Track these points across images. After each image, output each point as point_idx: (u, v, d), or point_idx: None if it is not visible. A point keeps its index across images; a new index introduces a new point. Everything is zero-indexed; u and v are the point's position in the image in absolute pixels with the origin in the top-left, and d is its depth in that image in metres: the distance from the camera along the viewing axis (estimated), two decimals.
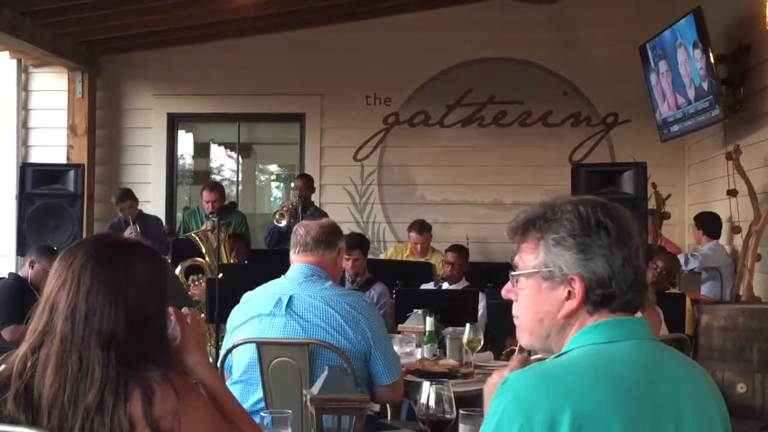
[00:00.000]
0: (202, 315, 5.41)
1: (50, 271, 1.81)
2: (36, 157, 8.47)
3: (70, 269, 1.77)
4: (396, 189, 8.67)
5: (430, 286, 6.13)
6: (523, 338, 1.65)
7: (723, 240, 6.85)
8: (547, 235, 1.57)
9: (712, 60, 6.27)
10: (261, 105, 8.75)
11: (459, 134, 8.60)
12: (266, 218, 8.64)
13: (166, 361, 1.77)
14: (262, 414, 2.14)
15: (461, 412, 2.04)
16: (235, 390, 3.04)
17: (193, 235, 6.39)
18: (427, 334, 4.06)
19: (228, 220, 6.95)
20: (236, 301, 3.34)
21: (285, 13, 8.32)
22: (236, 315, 3.27)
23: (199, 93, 8.71)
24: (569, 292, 1.55)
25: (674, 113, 7.20)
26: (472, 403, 2.52)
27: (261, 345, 3.09)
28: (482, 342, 3.86)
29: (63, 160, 8.24)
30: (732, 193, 6.46)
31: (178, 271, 6.15)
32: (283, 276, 3.27)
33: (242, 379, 3.15)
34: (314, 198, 7.79)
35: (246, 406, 2.89)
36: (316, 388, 2.33)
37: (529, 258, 1.60)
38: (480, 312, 5.29)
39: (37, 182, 7.29)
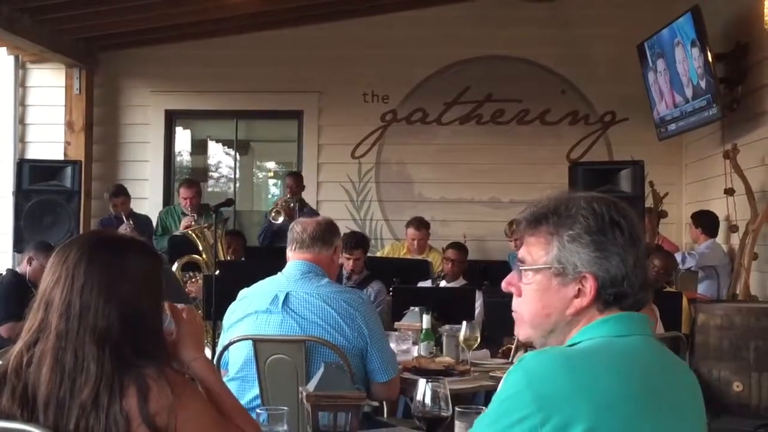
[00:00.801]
0: (199, 311, 5.41)
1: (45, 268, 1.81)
2: (33, 153, 8.45)
3: (64, 266, 1.77)
4: (393, 186, 8.65)
5: (427, 283, 6.14)
6: (523, 332, 1.62)
7: (720, 239, 6.85)
8: (562, 230, 1.54)
9: (710, 58, 6.26)
10: (259, 102, 8.73)
11: (457, 132, 8.59)
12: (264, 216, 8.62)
13: (162, 356, 1.77)
14: (258, 411, 2.12)
15: (457, 409, 2.04)
16: (232, 387, 3.03)
17: (190, 232, 6.39)
18: (423, 331, 4.07)
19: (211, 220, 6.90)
20: (233, 298, 3.34)
21: (283, 10, 8.31)
22: (233, 312, 3.27)
23: (197, 90, 8.69)
24: (579, 290, 1.53)
25: (672, 112, 7.19)
26: (468, 400, 2.53)
27: (257, 342, 3.09)
28: (479, 340, 3.86)
29: (60, 157, 8.22)
30: (729, 191, 6.46)
31: (175, 268, 6.16)
32: (279, 273, 3.27)
33: (238, 376, 3.15)
34: (312, 195, 7.77)
35: (242, 402, 2.87)
36: (312, 385, 2.33)
37: (539, 253, 1.56)
38: (477, 310, 5.30)
39: (34, 178, 7.26)
